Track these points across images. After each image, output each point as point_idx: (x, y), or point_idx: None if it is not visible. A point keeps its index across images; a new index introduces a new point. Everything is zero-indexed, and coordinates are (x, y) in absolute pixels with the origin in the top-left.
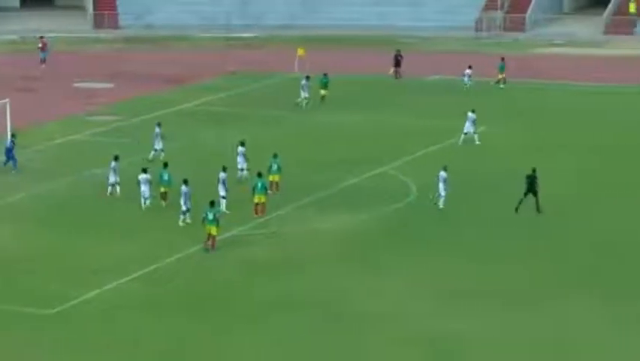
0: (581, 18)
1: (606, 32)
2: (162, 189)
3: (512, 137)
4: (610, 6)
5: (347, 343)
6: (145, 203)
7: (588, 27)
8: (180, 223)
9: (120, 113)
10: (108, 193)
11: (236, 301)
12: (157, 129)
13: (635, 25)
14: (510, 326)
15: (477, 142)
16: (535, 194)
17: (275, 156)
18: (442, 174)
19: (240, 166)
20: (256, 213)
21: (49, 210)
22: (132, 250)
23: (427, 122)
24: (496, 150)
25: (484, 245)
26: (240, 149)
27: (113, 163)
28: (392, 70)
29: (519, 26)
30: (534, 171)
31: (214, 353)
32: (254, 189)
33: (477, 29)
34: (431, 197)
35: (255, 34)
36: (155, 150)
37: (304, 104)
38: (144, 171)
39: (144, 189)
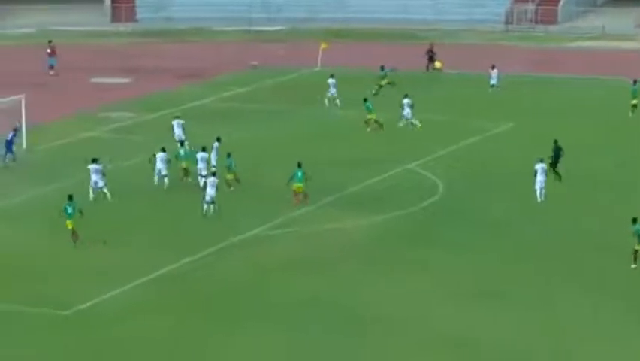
0: (615, 11)
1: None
2: (183, 165)
3: (541, 134)
4: None
5: (367, 346)
6: (159, 181)
7: (622, 20)
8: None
9: (137, 109)
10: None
11: (254, 302)
12: (176, 122)
13: None
14: (533, 328)
15: (418, 125)
16: (555, 166)
17: (299, 165)
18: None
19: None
20: (297, 201)
21: (59, 210)
22: (147, 250)
23: (450, 118)
24: (525, 147)
25: (512, 245)
26: (215, 144)
27: (161, 154)
28: (436, 63)
29: (551, 19)
30: (556, 142)
31: (232, 354)
32: (292, 178)
33: (507, 22)
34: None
35: (276, 28)
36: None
37: (330, 102)
38: (162, 150)
39: (160, 167)
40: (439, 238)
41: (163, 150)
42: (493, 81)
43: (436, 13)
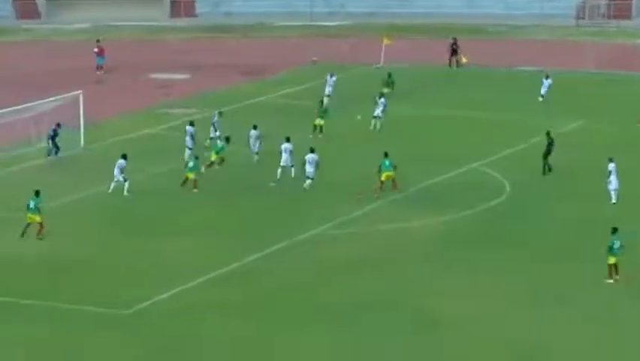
0: None
1: None
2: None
3: (613, 132)
4: None
5: (430, 347)
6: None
7: None
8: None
9: (197, 105)
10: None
11: (316, 303)
12: (215, 118)
13: None
14: (596, 335)
15: (370, 128)
16: (547, 156)
17: (386, 155)
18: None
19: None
20: (392, 188)
21: (118, 208)
22: (206, 249)
23: (518, 115)
24: (595, 146)
25: (580, 247)
26: (189, 128)
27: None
28: (463, 58)
29: (625, 13)
30: (548, 133)
31: (295, 355)
32: (380, 167)
33: (578, 17)
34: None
35: (338, 23)
36: (212, 138)
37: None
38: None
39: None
40: (505, 239)
41: (254, 127)
42: (543, 90)
43: (505, 8)
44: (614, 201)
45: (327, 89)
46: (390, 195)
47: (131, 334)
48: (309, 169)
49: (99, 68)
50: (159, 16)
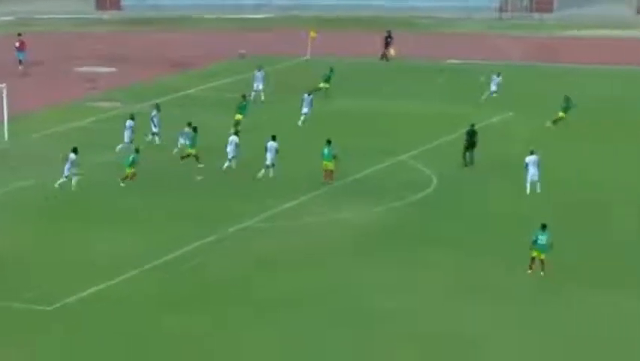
0: None
1: (639, 12)
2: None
3: (539, 124)
4: None
5: (355, 339)
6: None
7: (620, 7)
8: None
9: (123, 98)
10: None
11: (243, 296)
12: (154, 112)
13: None
14: (522, 323)
15: (299, 124)
16: (473, 147)
17: (328, 142)
18: (533, 158)
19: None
20: (325, 178)
21: (46, 202)
22: (137, 243)
23: (438, 108)
24: (521, 137)
25: (506, 240)
26: (129, 123)
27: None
28: (391, 51)
29: (546, 7)
30: (473, 125)
31: (219, 348)
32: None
33: (501, 10)
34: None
35: (265, 15)
36: (153, 135)
37: (256, 98)
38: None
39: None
40: (432, 232)
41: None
42: (493, 87)
43: (432, 0)
44: (528, 192)
45: (256, 85)
46: (321, 187)
47: (54, 331)
48: (269, 157)
49: (20, 62)
50: (85, 8)
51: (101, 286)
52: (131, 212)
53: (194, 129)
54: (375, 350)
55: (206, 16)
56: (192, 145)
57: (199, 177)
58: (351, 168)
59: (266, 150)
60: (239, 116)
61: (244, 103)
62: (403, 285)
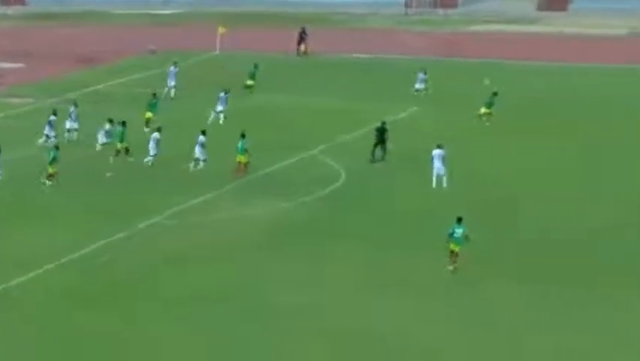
0: None
1: (540, 8)
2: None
3: (445, 118)
4: None
5: (264, 334)
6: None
7: (522, 3)
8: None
9: (32, 94)
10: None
11: (151, 292)
12: (72, 108)
13: (570, 1)
14: (428, 316)
15: (209, 120)
16: (384, 144)
17: (242, 136)
18: (438, 152)
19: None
20: (237, 172)
21: None
22: (49, 239)
23: (349, 103)
24: (426, 131)
25: (409, 234)
26: (51, 118)
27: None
28: (302, 47)
29: (451, 2)
30: (384, 123)
31: (127, 344)
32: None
33: (407, 5)
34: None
35: (173, 11)
36: (69, 131)
37: (167, 93)
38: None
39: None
40: (339, 226)
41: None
42: (418, 85)
43: None
44: (434, 186)
45: (170, 81)
46: (231, 183)
47: None
48: (198, 151)
49: None
50: None
51: (12, 283)
52: (46, 208)
53: (123, 124)
54: (284, 345)
55: (113, 11)
56: (121, 140)
57: (109, 174)
58: (261, 163)
59: (196, 144)
60: (149, 114)
61: (154, 101)
62: (313, 280)
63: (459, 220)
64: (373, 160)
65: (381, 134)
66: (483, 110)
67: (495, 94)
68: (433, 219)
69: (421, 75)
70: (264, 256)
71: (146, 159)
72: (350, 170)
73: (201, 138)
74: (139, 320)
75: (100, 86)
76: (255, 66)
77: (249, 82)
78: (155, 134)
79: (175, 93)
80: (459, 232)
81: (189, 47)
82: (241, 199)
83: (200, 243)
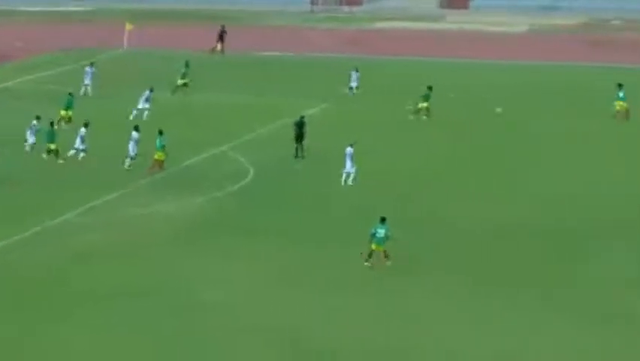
0: None
1: (441, 6)
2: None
3: (350, 114)
4: None
5: (185, 333)
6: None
7: (426, 1)
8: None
9: None
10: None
11: (59, 290)
12: None
13: None
14: (354, 310)
15: (130, 117)
16: (302, 139)
17: (160, 132)
18: (349, 150)
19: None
20: (152, 168)
21: None
22: None
23: (259, 100)
24: (334, 128)
25: (325, 229)
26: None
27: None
28: (218, 46)
29: (356, 0)
30: (302, 117)
31: (35, 343)
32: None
33: (312, 3)
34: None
35: (82, 8)
36: None
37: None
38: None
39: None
40: (250, 222)
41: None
42: (353, 83)
43: None
44: (343, 183)
45: (86, 80)
46: (140, 180)
47: None
48: (131, 147)
49: None
50: None
51: None
52: None
53: (52, 124)
54: (203, 343)
55: (20, 8)
56: (51, 140)
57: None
58: (174, 160)
59: (129, 140)
60: (63, 113)
61: (71, 99)
62: (227, 276)
63: (382, 220)
64: (296, 155)
65: (300, 129)
66: (420, 104)
67: (430, 88)
68: (340, 214)
69: (354, 74)
70: (177, 253)
71: (71, 153)
72: (259, 166)
73: (134, 134)
74: (46, 319)
75: (8, 83)
76: (186, 64)
77: (181, 81)
78: (82, 130)
79: (91, 92)
80: (381, 232)
81: (97, 45)
82: (153, 195)
83: (112, 240)
